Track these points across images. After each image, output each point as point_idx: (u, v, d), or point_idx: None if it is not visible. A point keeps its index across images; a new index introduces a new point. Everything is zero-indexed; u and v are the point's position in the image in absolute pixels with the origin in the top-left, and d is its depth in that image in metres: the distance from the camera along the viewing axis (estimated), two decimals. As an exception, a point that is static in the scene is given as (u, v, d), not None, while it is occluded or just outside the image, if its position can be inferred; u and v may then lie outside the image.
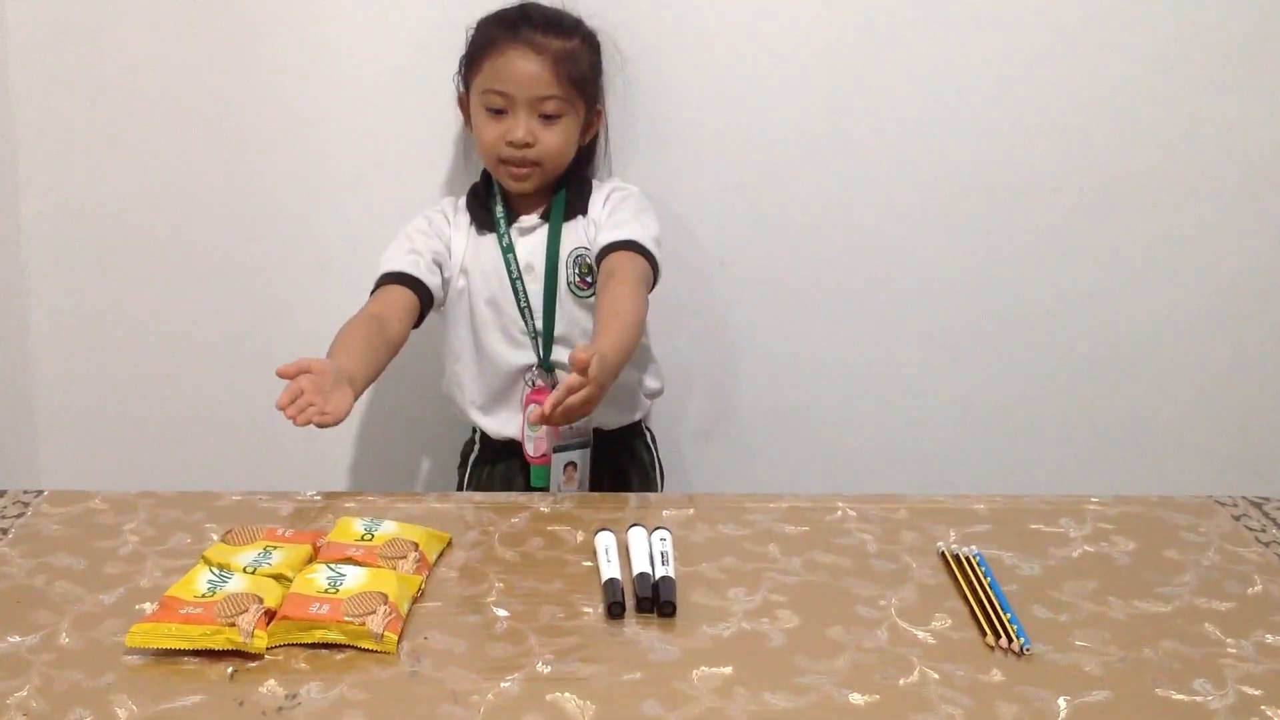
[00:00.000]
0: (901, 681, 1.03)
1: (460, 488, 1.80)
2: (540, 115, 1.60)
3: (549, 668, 1.04)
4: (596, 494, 1.46)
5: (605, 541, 1.24)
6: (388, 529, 1.25)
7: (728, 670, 1.04)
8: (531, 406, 1.63)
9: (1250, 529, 1.34)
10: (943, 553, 1.26)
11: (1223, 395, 1.91)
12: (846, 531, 1.32)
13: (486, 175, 1.71)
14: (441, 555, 1.25)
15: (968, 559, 1.24)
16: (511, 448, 1.71)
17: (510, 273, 1.64)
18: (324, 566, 1.16)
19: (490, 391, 1.71)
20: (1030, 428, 1.93)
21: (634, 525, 1.27)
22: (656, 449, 1.84)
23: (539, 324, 1.65)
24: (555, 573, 1.22)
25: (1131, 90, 1.78)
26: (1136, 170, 1.81)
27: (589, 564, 1.23)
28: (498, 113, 1.60)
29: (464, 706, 0.99)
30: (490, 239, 1.66)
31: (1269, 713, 1.00)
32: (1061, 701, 1.01)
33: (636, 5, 1.74)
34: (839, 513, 1.36)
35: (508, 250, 1.65)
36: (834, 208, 1.85)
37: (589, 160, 1.75)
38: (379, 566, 1.17)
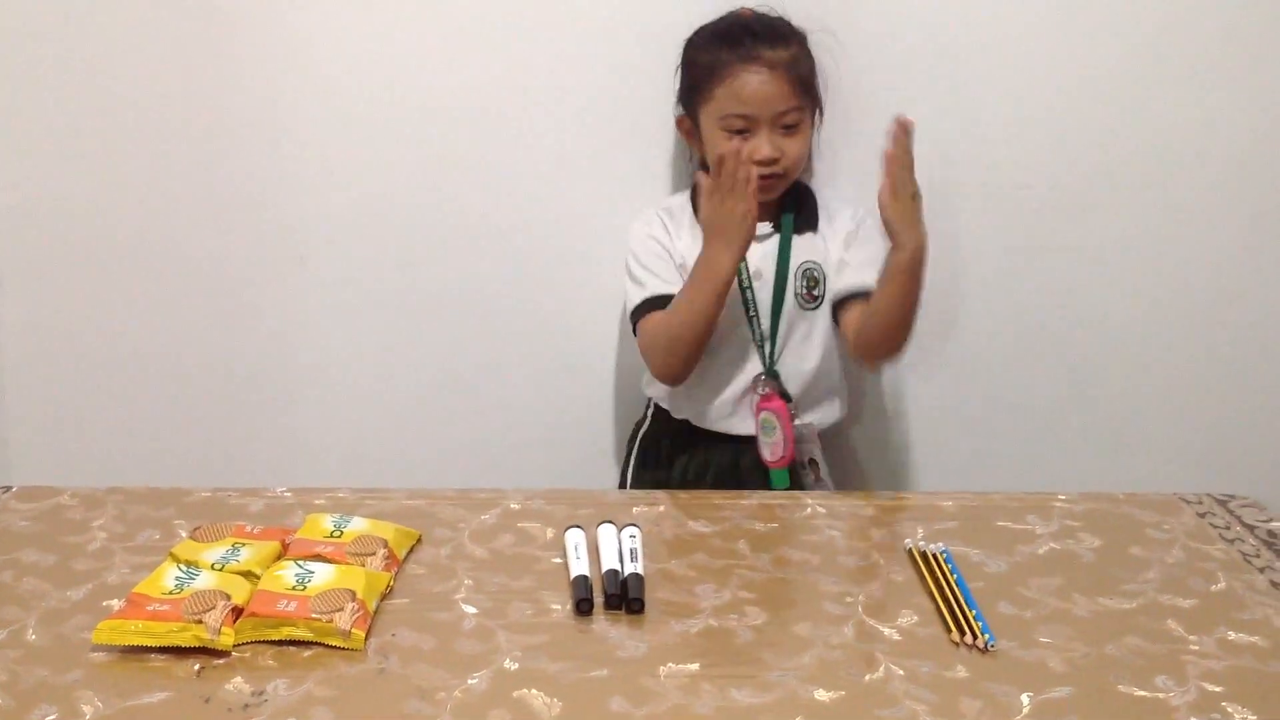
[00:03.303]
0: (867, 678, 1.04)
1: (626, 464, 1.81)
2: (782, 127, 1.60)
3: (516, 664, 1.05)
4: (568, 489, 1.46)
5: (575, 538, 1.25)
6: (357, 526, 1.25)
7: (694, 667, 1.05)
8: (764, 414, 1.64)
9: (1215, 526, 1.36)
10: (910, 550, 1.27)
11: (1191, 393, 1.92)
12: (816, 529, 1.33)
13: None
14: (411, 552, 1.25)
15: (935, 556, 1.24)
16: (684, 425, 1.71)
17: (741, 280, 1.64)
18: (292, 563, 1.16)
19: (705, 389, 1.69)
20: (998, 425, 1.94)
21: (604, 522, 1.28)
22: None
23: (765, 329, 1.66)
24: (524, 569, 1.22)
25: (1101, 88, 1.79)
26: (1104, 169, 1.82)
27: (559, 561, 1.24)
28: (739, 132, 1.60)
29: (430, 703, 0.99)
30: None
31: (1229, 709, 1.01)
32: (1025, 697, 1.01)
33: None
34: (808, 510, 1.37)
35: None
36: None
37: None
38: (347, 563, 1.17)
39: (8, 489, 1.39)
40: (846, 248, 1.67)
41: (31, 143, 1.83)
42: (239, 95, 1.81)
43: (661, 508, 1.37)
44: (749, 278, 1.64)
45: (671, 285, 1.61)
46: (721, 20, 1.64)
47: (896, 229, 1.46)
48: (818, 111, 1.68)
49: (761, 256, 1.65)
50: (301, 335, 1.91)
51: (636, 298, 1.65)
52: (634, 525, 1.27)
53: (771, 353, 1.65)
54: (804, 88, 1.61)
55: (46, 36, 1.78)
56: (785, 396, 1.64)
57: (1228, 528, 1.35)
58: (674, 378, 1.60)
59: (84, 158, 1.83)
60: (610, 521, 1.28)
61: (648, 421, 1.78)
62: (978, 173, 1.82)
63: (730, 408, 1.67)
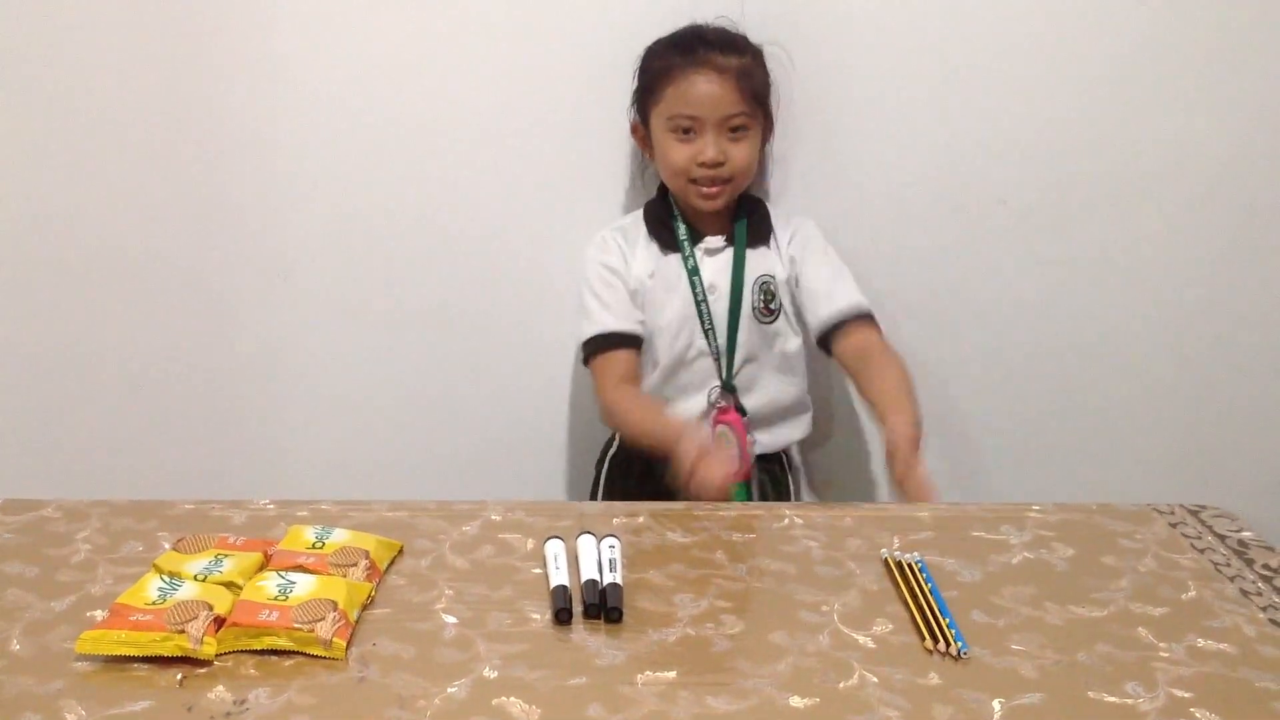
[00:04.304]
0: (841, 685, 1.05)
1: (596, 485, 1.84)
2: (728, 131, 1.63)
3: (495, 673, 1.06)
4: (548, 502, 1.47)
5: (554, 549, 1.26)
6: (339, 537, 1.26)
7: (671, 675, 1.06)
8: (720, 427, 1.67)
9: (1186, 536, 1.37)
10: (886, 560, 1.28)
11: (1166, 405, 1.94)
12: (793, 539, 1.34)
13: (663, 195, 1.74)
14: (393, 563, 1.26)
15: (910, 565, 1.26)
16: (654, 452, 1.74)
17: (695, 294, 1.67)
18: (274, 574, 1.17)
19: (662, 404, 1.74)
20: (974, 438, 1.96)
21: (583, 533, 1.29)
22: (792, 474, 1.85)
23: (722, 344, 1.68)
24: (504, 580, 1.23)
25: (1079, 104, 1.81)
26: (1081, 183, 1.85)
27: (538, 571, 1.25)
28: (685, 133, 1.64)
29: (410, 711, 1.00)
30: (675, 259, 1.69)
31: (1198, 714, 1.02)
32: (996, 704, 1.03)
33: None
34: (786, 521, 1.39)
35: (694, 272, 1.68)
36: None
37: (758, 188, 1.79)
38: (329, 574, 1.18)
39: (-9, 501, 1.40)
40: (802, 268, 1.71)
41: (13, 157, 1.84)
42: (222, 111, 1.83)
43: (640, 519, 1.38)
44: (704, 291, 1.66)
45: (620, 320, 1.67)
46: (678, 31, 1.69)
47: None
48: (769, 127, 1.71)
49: (716, 271, 1.68)
50: (284, 349, 1.93)
51: (586, 331, 1.70)
52: (613, 536, 1.28)
53: (729, 366, 1.68)
54: (753, 97, 1.65)
55: (30, 52, 1.80)
56: (741, 410, 1.67)
57: (1199, 537, 1.37)
58: (610, 425, 1.69)
59: (68, 172, 1.85)
60: (590, 532, 1.29)
61: (616, 444, 1.80)
62: (954, 187, 1.85)
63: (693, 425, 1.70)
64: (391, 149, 1.84)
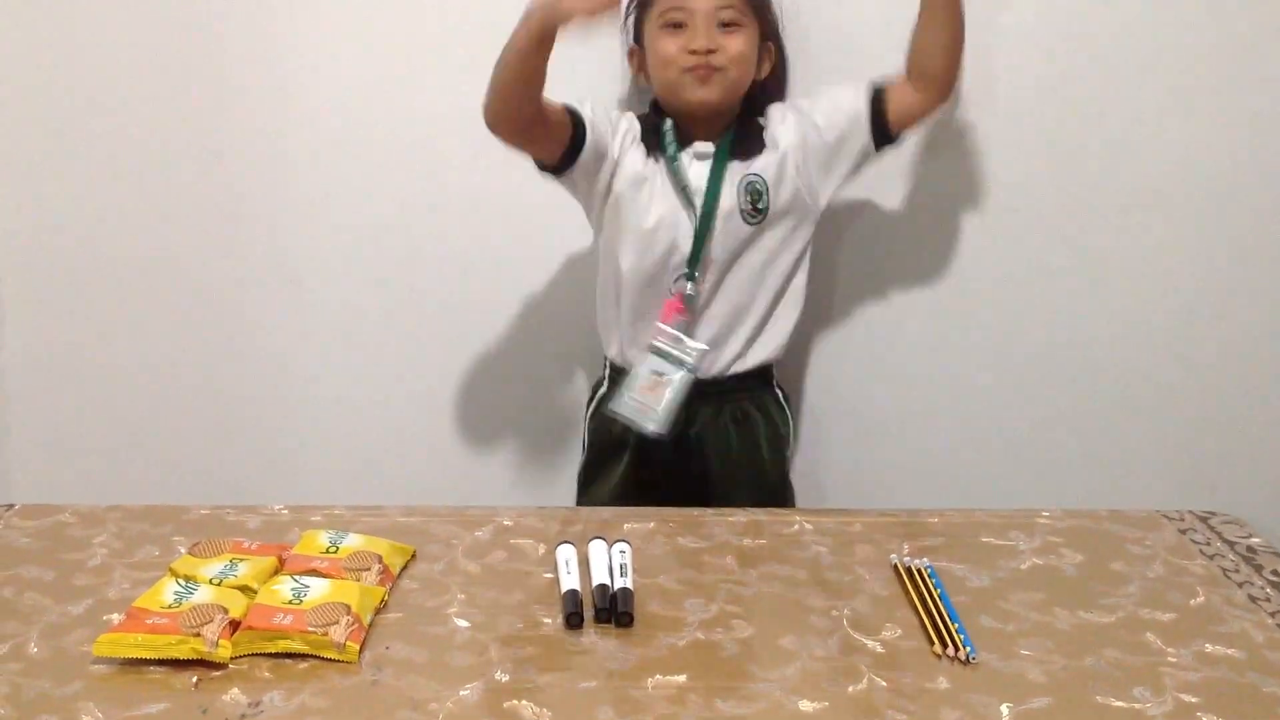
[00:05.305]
0: (850, 689, 1.06)
1: (585, 420, 1.81)
2: (720, 25, 1.62)
3: (507, 676, 1.07)
4: (560, 507, 1.48)
5: (566, 554, 1.27)
6: (352, 542, 1.27)
7: (681, 679, 1.07)
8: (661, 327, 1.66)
9: (1195, 542, 1.38)
10: (895, 565, 1.29)
11: (1175, 411, 1.94)
12: (803, 545, 1.35)
13: (655, 108, 1.71)
14: (405, 567, 1.27)
15: (919, 571, 1.27)
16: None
17: (680, 198, 1.65)
18: (289, 578, 1.18)
19: (634, 313, 1.70)
20: (984, 441, 1.96)
21: (595, 538, 1.30)
22: (789, 407, 1.81)
23: (690, 248, 1.65)
24: (516, 584, 1.24)
25: (1088, 113, 1.82)
26: (1089, 190, 1.85)
27: (550, 576, 1.26)
28: (677, 27, 1.62)
29: (422, 714, 1.01)
30: (661, 164, 1.66)
31: (1204, 719, 1.03)
32: (1004, 708, 1.04)
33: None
34: (796, 526, 1.39)
35: (674, 172, 1.65)
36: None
37: (762, 103, 1.74)
38: (343, 578, 1.19)
39: (10, 507, 1.41)
40: (816, 125, 1.68)
41: (33, 167, 1.86)
42: (234, 121, 1.85)
43: (652, 524, 1.39)
44: (689, 197, 1.64)
45: (592, 120, 1.63)
46: None
47: None
48: (767, 46, 1.70)
49: (700, 175, 1.66)
50: (297, 355, 1.94)
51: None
52: (624, 541, 1.29)
53: (695, 259, 1.65)
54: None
55: (47, 63, 1.82)
56: (689, 301, 1.66)
57: (1208, 544, 1.37)
58: (490, 112, 1.55)
59: (85, 182, 1.87)
60: (601, 537, 1.30)
61: (605, 384, 1.78)
62: (965, 195, 1.85)
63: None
64: (402, 157, 1.86)
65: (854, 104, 1.66)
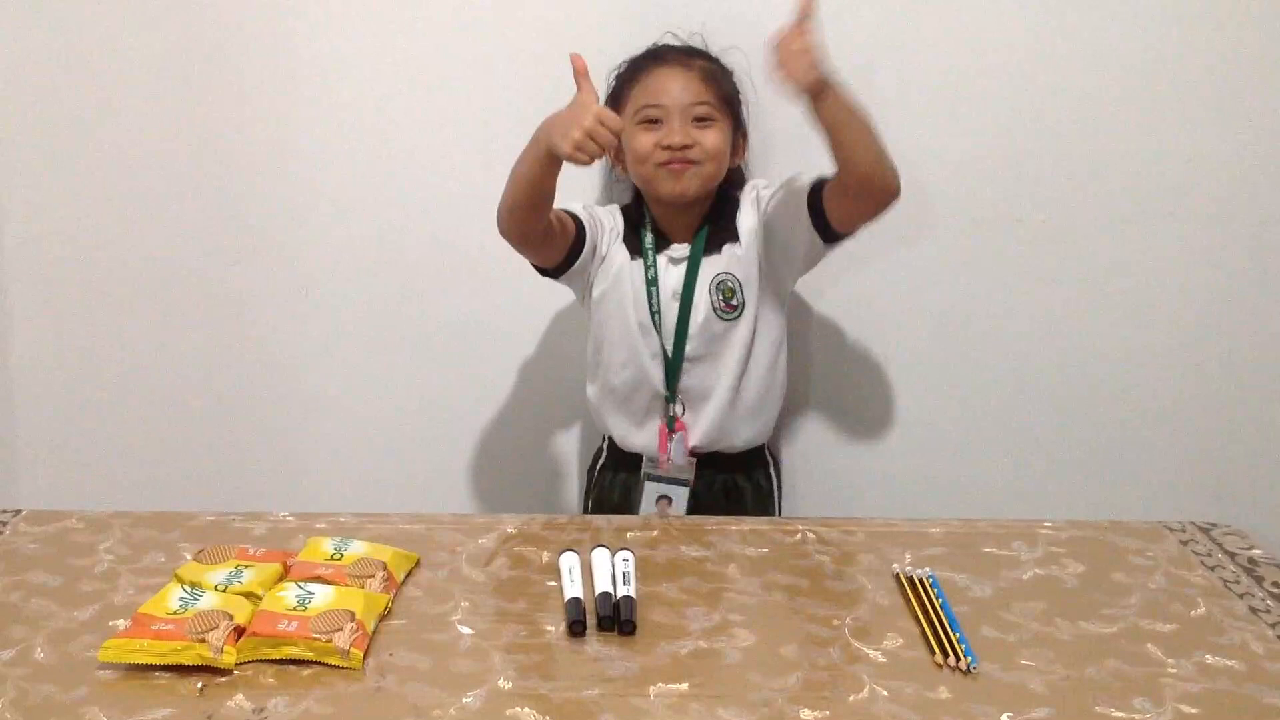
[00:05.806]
0: (851, 698, 1.07)
1: (586, 493, 1.84)
2: (695, 120, 1.64)
3: (510, 683, 1.07)
4: (564, 515, 1.49)
5: (569, 562, 1.27)
6: (357, 549, 1.28)
7: (683, 687, 1.07)
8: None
9: (1197, 554, 1.38)
10: (897, 575, 1.30)
11: (1177, 421, 1.94)
12: (805, 554, 1.35)
13: (637, 200, 1.74)
14: (410, 575, 1.28)
15: (921, 581, 1.27)
16: (636, 460, 1.73)
17: (650, 304, 1.68)
18: (293, 585, 1.19)
19: (617, 401, 1.74)
20: (986, 452, 1.96)
21: (598, 546, 1.30)
22: (779, 474, 1.85)
23: (670, 350, 1.69)
24: (520, 592, 1.25)
25: (1092, 123, 1.82)
26: (1095, 202, 1.85)
27: (553, 584, 1.26)
28: (653, 123, 1.64)
29: (426, 720, 1.02)
30: (639, 264, 1.70)
31: (1205, 730, 1.04)
32: (1005, 717, 1.04)
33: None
34: (799, 535, 1.40)
35: (652, 282, 1.68)
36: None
37: (735, 188, 1.76)
38: (347, 585, 1.20)
39: (17, 513, 1.42)
40: (769, 214, 1.68)
41: (43, 177, 1.87)
42: (245, 130, 1.86)
43: (655, 533, 1.39)
44: (658, 303, 1.67)
45: (589, 223, 1.67)
46: (650, 46, 1.72)
47: (785, 72, 1.44)
48: (739, 133, 1.71)
49: (679, 278, 1.68)
50: (304, 364, 1.95)
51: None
52: (627, 550, 1.30)
53: (673, 374, 1.69)
54: (721, 95, 1.66)
55: (60, 72, 1.83)
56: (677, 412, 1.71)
57: (1209, 555, 1.38)
58: (503, 225, 1.57)
59: (94, 189, 1.88)
60: (604, 546, 1.30)
61: (604, 454, 1.82)
62: (970, 207, 1.86)
63: (633, 416, 1.74)
64: (413, 167, 1.87)
65: (799, 196, 1.62)
